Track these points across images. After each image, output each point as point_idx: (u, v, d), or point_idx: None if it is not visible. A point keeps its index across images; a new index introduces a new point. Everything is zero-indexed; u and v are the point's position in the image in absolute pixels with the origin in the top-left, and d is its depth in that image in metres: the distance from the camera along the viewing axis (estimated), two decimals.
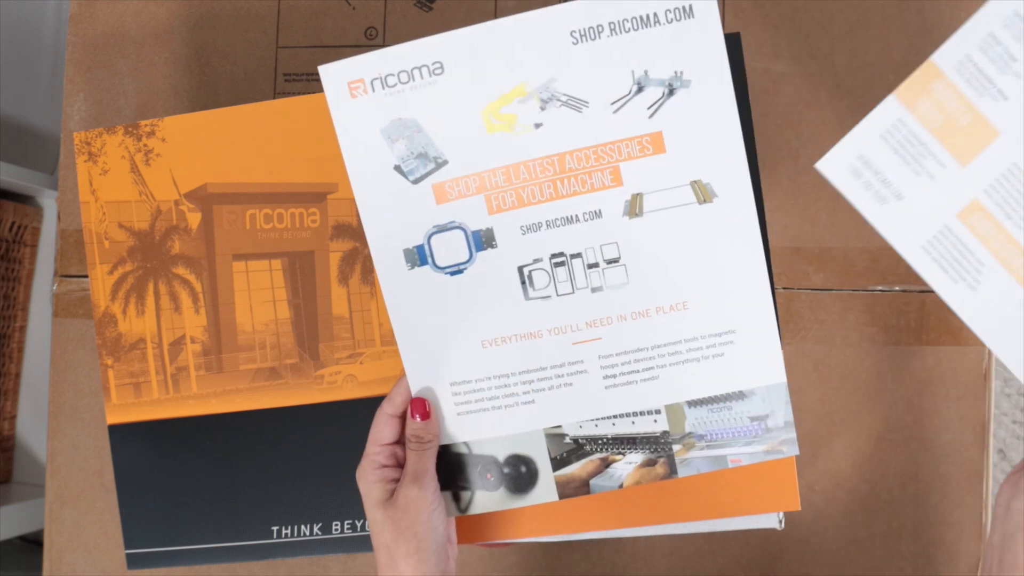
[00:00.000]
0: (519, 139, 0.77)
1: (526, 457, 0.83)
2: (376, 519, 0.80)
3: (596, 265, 0.79)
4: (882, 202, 0.76)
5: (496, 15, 1.06)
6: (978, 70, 0.74)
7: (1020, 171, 0.75)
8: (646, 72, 0.76)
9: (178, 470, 0.91)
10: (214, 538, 0.91)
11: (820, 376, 1.03)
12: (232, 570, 1.07)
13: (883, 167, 0.76)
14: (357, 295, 0.90)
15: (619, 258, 0.79)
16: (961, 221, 0.76)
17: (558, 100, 0.77)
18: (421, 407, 0.81)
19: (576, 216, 0.78)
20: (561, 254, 0.79)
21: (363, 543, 0.90)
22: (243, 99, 1.09)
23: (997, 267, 0.76)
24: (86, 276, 1.07)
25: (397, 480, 0.80)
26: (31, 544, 1.63)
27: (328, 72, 0.78)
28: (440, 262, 0.80)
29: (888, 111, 0.75)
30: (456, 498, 0.84)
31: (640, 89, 0.76)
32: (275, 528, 0.90)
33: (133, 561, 0.92)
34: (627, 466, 0.82)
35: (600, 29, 0.75)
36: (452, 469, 0.84)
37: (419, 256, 0.80)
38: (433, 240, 0.80)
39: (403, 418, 0.82)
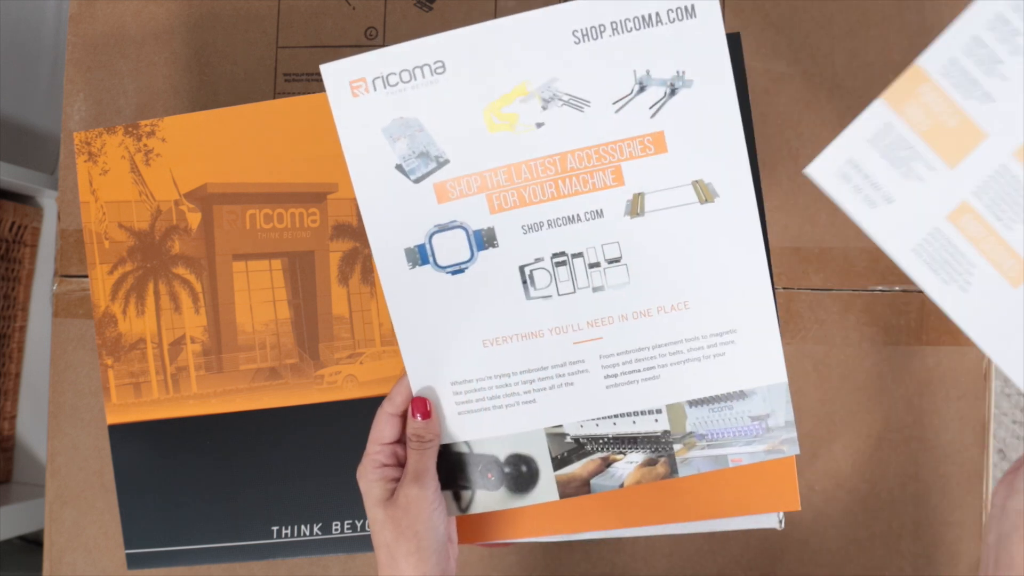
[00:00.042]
0: (521, 138, 0.77)
1: (527, 456, 0.83)
2: (377, 518, 0.80)
3: (597, 264, 0.79)
4: (872, 206, 0.76)
5: (496, 15, 1.06)
6: (964, 73, 0.74)
7: (1008, 172, 0.75)
8: (648, 72, 0.76)
9: (178, 470, 0.91)
10: (214, 538, 0.91)
11: (820, 376, 1.03)
12: (232, 570, 1.07)
13: (872, 171, 0.76)
14: (357, 295, 0.90)
15: (620, 258, 0.79)
16: (951, 223, 0.76)
17: (560, 99, 0.77)
18: (422, 406, 0.81)
19: (577, 216, 0.78)
20: (562, 253, 0.79)
21: (363, 543, 0.90)
22: (243, 99, 1.09)
23: (988, 268, 0.76)
24: (86, 276, 1.07)
25: (398, 479, 0.80)
26: (31, 544, 1.62)
27: (330, 71, 0.78)
28: (441, 261, 0.80)
29: (876, 115, 0.76)
30: (457, 497, 0.84)
31: (642, 89, 0.76)
32: (275, 528, 0.90)
33: (133, 561, 0.92)
34: (628, 465, 0.82)
35: (602, 28, 0.75)
36: (453, 468, 0.84)
37: (420, 255, 0.80)
38: (434, 239, 0.80)
39: (404, 417, 0.82)
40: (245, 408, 0.90)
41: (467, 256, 0.80)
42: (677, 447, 0.81)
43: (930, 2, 1.02)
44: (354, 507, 0.90)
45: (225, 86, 1.10)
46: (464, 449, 0.84)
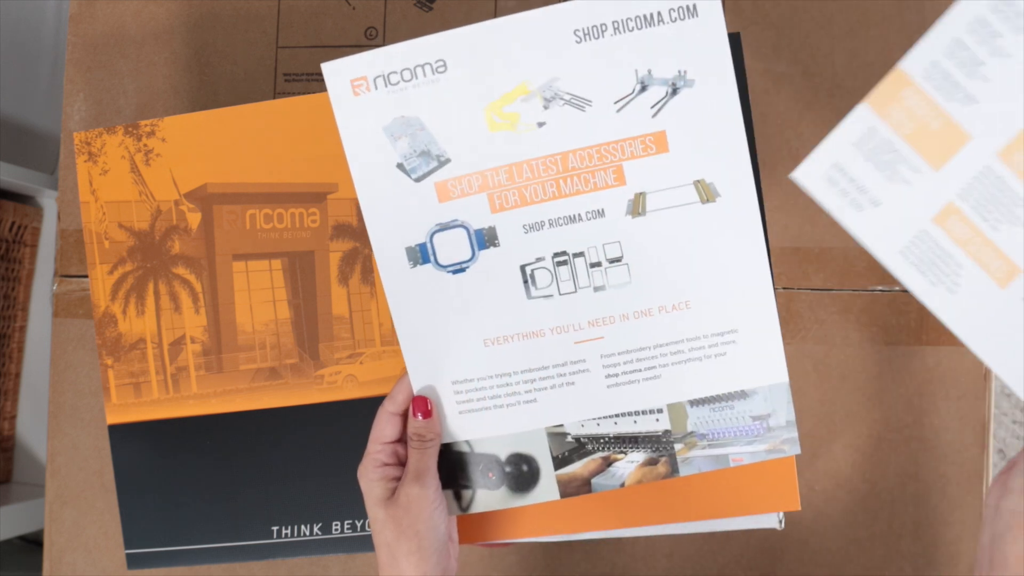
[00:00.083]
0: (522, 138, 0.77)
1: (528, 456, 0.83)
2: (377, 517, 0.80)
3: (599, 264, 0.79)
4: (859, 209, 0.76)
5: (496, 15, 1.06)
6: (946, 75, 0.74)
7: (993, 173, 0.75)
8: (649, 71, 0.76)
9: (178, 470, 0.91)
10: (214, 538, 0.91)
11: (820, 376, 1.03)
12: (232, 570, 1.07)
13: (858, 174, 0.76)
14: (357, 295, 0.89)
15: (622, 257, 0.79)
16: (937, 225, 0.76)
17: (561, 99, 0.77)
18: (423, 405, 0.81)
19: (579, 215, 0.78)
20: (564, 253, 0.79)
21: (363, 543, 0.90)
22: (243, 99, 1.09)
23: (975, 269, 0.76)
24: (86, 276, 1.07)
25: (398, 478, 0.80)
26: (31, 544, 1.62)
27: (331, 70, 0.78)
28: (442, 260, 0.80)
29: (860, 119, 0.76)
30: (457, 497, 0.84)
31: (643, 88, 0.76)
32: (275, 528, 0.90)
33: (133, 561, 0.92)
34: (629, 465, 0.82)
35: (603, 28, 0.75)
36: (454, 468, 0.84)
37: (421, 254, 0.80)
38: (435, 238, 0.80)
39: (405, 416, 0.82)
40: (245, 408, 0.90)
41: (468, 255, 0.80)
42: (678, 447, 0.81)
43: (930, 2, 1.02)
44: (354, 507, 0.90)
45: (225, 86, 1.10)
46: (465, 448, 0.84)
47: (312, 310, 0.90)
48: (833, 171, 0.76)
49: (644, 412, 0.81)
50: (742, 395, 0.80)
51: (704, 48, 0.75)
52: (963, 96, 0.74)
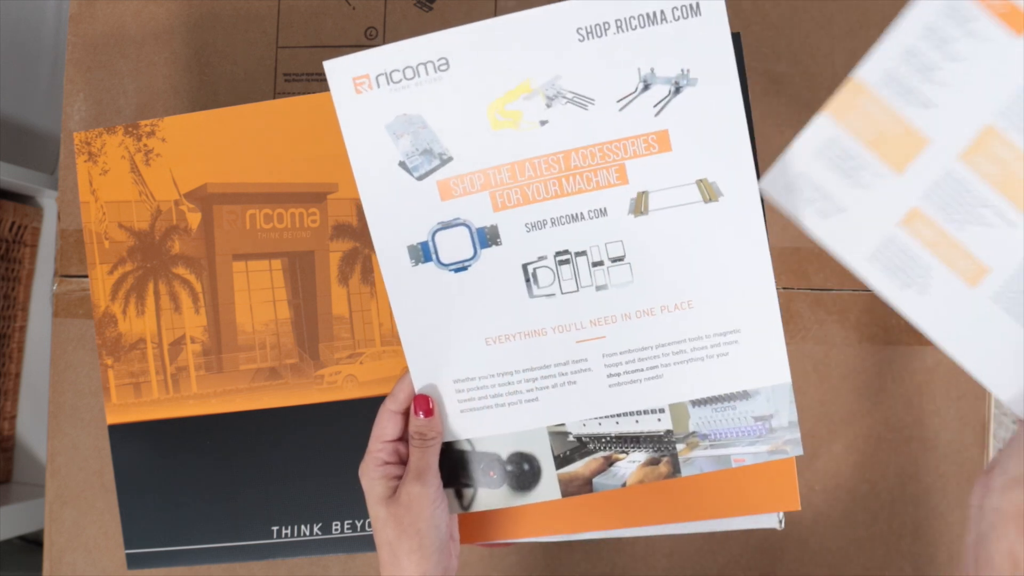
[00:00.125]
0: (524, 136, 0.77)
1: (529, 455, 0.83)
2: (379, 516, 0.80)
3: (601, 263, 0.79)
4: (824, 216, 0.77)
5: (496, 15, 1.06)
6: (902, 82, 0.75)
7: (955, 176, 0.76)
8: (652, 70, 0.76)
9: (178, 470, 0.91)
10: (214, 538, 0.91)
11: (820, 376, 1.03)
12: (232, 570, 1.07)
13: (822, 182, 0.77)
14: (357, 295, 0.89)
15: (624, 256, 0.79)
16: (904, 228, 0.77)
17: (564, 97, 0.77)
18: (424, 404, 0.81)
19: (581, 214, 0.78)
20: (566, 252, 0.79)
21: (363, 543, 0.90)
22: (243, 99, 1.09)
23: (943, 270, 0.77)
24: (86, 276, 1.07)
25: (400, 477, 0.80)
26: (31, 544, 1.62)
27: (333, 67, 0.78)
28: (444, 259, 0.80)
29: (820, 129, 0.77)
30: (459, 495, 0.84)
31: (646, 87, 0.76)
32: (275, 528, 0.90)
33: (133, 561, 0.91)
34: (630, 465, 0.82)
35: (606, 26, 0.75)
36: (455, 466, 0.84)
37: (423, 253, 0.80)
38: (437, 237, 0.80)
39: (406, 415, 0.82)
40: (245, 408, 0.90)
41: (470, 254, 0.80)
42: (680, 447, 0.81)
43: None
44: (354, 507, 0.90)
45: (225, 86, 1.10)
46: (466, 447, 0.83)
47: (312, 310, 0.90)
48: (797, 180, 0.76)
49: (646, 412, 0.81)
50: (744, 395, 0.80)
51: (707, 47, 0.75)
52: (920, 101, 0.75)
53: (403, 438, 0.82)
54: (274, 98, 1.09)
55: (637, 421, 0.81)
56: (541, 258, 0.79)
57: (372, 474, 0.80)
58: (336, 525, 0.90)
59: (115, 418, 0.91)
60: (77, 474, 1.09)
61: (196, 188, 0.89)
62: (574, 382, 0.81)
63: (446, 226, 0.79)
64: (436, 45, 0.76)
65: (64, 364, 1.10)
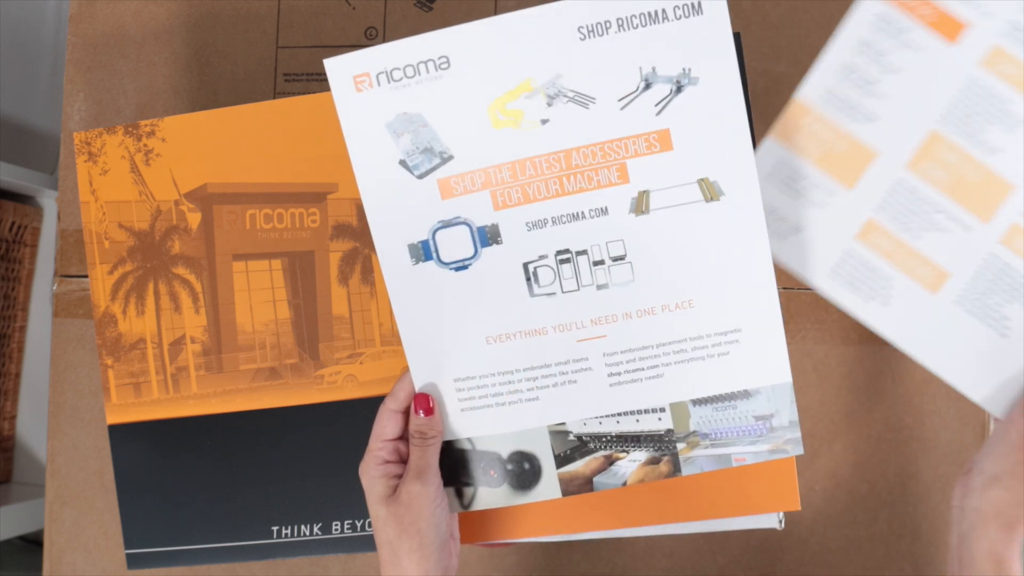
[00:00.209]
0: (525, 135, 0.77)
1: (530, 454, 0.83)
2: (379, 515, 0.80)
3: (602, 262, 0.79)
4: (782, 238, 0.79)
5: (496, 15, 1.06)
6: (842, 99, 0.77)
7: (905, 185, 0.77)
8: (654, 69, 0.76)
9: (178, 470, 0.91)
10: (214, 538, 0.91)
11: (820, 376, 1.03)
12: (232, 570, 1.07)
13: (776, 205, 0.78)
14: (357, 295, 0.89)
15: (625, 255, 0.79)
16: (861, 241, 0.78)
17: (565, 96, 0.77)
18: (425, 403, 0.81)
19: (582, 213, 0.78)
20: (567, 251, 0.79)
21: (363, 543, 0.90)
22: (243, 99, 1.09)
23: (904, 279, 0.78)
24: (86, 276, 1.07)
25: (400, 476, 0.80)
26: (31, 544, 1.62)
27: (333, 66, 0.77)
28: (445, 258, 0.80)
29: (768, 152, 0.79)
30: (459, 494, 0.84)
31: (648, 86, 0.76)
32: (275, 528, 0.90)
33: (133, 561, 0.91)
34: (631, 464, 0.82)
35: (608, 25, 0.75)
36: (455, 465, 0.84)
37: (424, 251, 0.80)
38: (438, 235, 0.80)
39: (406, 414, 0.82)
40: (245, 408, 0.90)
41: (471, 252, 0.80)
42: (680, 446, 0.81)
43: None
44: (354, 507, 0.89)
45: (225, 86, 1.10)
46: (467, 446, 0.83)
47: (312, 310, 0.90)
48: None
49: (646, 411, 0.81)
50: (745, 395, 0.80)
51: (709, 46, 0.75)
52: (864, 115, 0.77)
53: (403, 437, 0.82)
54: (274, 98, 1.09)
55: (638, 420, 0.81)
56: (542, 257, 0.79)
57: (372, 473, 0.80)
58: (336, 525, 0.90)
59: (115, 418, 0.91)
60: (77, 474, 1.09)
61: (196, 188, 0.89)
62: (575, 381, 0.81)
63: (447, 225, 0.79)
64: (437, 43, 0.76)
65: (64, 364, 1.10)
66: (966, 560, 0.74)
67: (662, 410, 0.81)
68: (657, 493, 0.85)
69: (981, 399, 0.78)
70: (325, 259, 0.90)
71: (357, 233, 0.89)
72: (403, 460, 0.82)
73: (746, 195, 0.77)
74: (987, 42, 0.75)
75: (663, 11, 0.74)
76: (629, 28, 0.75)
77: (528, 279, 0.80)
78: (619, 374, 0.80)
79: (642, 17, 0.75)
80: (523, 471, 0.83)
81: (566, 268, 0.79)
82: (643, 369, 0.80)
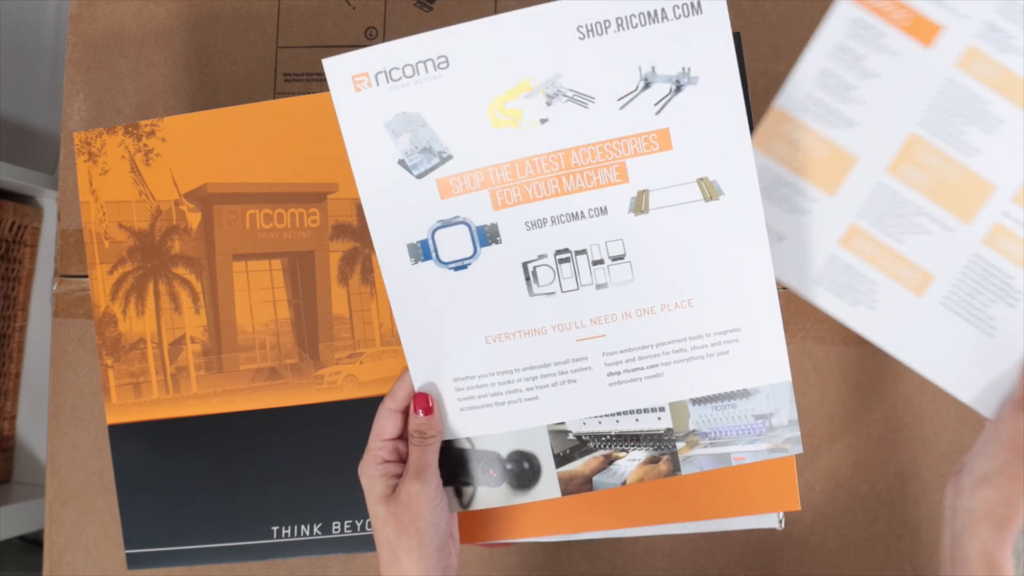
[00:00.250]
0: (524, 134, 0.77)
1: (529, 453, 0.83)
2: (378, 514, 0.80)
3: (601, 262, 0.79)
4: None
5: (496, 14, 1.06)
6: (821, 105, 0.77)
7: (887, 189, 0.77)
8: (653, 68, 0.76)
9: (178, 470, 0.91)
10: (214, 538, 0.91)
11: (820, 376, 1.03)
12: (232, 570, 1.07)
13: None
14: (357, 295, 0.89)
15: (624, 255, 0.79)
16: (845, 247, 0.79)
17: (564, 95, 0.77)
18: (424, 402, 0.81)
19: (581, 212, 0.78)
20: (566, 250, 0.79)
21: (363, 543, 0.90)
22: (243, 99, 1.09)
23: (889, 283, 0.79)
24: (86, 276, 1.07)
25: (399, 475, 0.80)
26: (31, 544, 1.62)
27: (332, 65, 0.77)
28: (444, 257, 0.80)
29: None
30: (459, 494, 0.84)
31: (647, 85, 0.76)
32: (275, 528, 0.90)
33: (133, 561, 0.91)
34: (630, 463, 0.82)
35: (607, 24, 0.75)
36: (455, 465, 0.84)
37: (423, 251, 0.80)
38: (437, 235, 0.80)
39: (406, 413, 0.82)
40: (245, 408, 0.90)
41: (470, 252, 0.80)
42: (680, 445, 0.81)
43: None
44: (354, 507, 0.89)
45: (225, 86, 1.10)
46: (466, 445, 0.83)
47: (312, 310, 0.90)
48: None
49: (646, 410, 0.81)
50: (744, 394, 0.80)
51: (708, 45, 0.75)
52: (842, 121, 0.77)
53: (403, 436, 0.82)
54: (274, 98, 1.09)
55: (637, 419, 0.81)
56: (541, 256, 0.79)
57: (372, 472, 0.80)
58: (336, 525, 0.90)
59: (115, 418, 0.91)
60: (77, 474, 1.09)
61: (196, 188, 0.89)
62: (574, 380, 0.81)
63: (446, 224, 0.79)
64: (436, 43, 0.76)
65: (64, 364, 1.10)
66: (959, 560, 0.74)
67: (661, 409, 0.81)
68: (657, 493, 0.85)
69: (970, 399, 0.79)
70: (325, 259, 0.90)
71: (357, 233, 0.89)
72: (402, 460, 0.82)
73: (745, 194, 0.77)
74: (963, 44, 0.76)
75: (662, 10, 0.74)
76: (628, 27, 0.75)
77: (527, 279, 0.80)
78: (618, 373, 0.80)
79: (641, 16, 0.75)
80: (522, 470, 0.83)
81: (565, 268, 0.79)
82: (642, 368, 0.80)
